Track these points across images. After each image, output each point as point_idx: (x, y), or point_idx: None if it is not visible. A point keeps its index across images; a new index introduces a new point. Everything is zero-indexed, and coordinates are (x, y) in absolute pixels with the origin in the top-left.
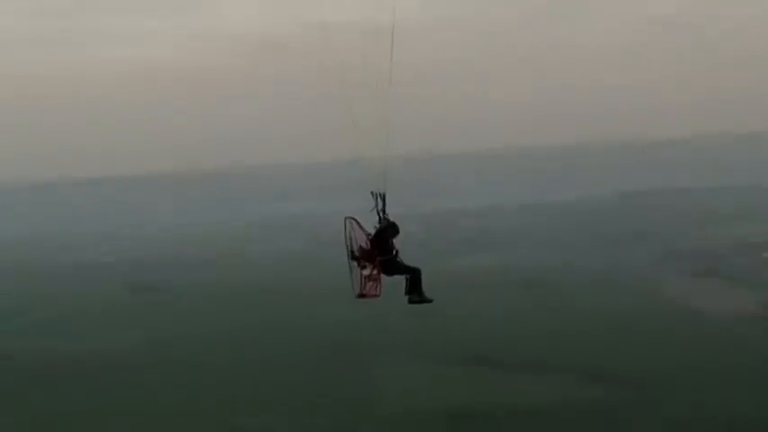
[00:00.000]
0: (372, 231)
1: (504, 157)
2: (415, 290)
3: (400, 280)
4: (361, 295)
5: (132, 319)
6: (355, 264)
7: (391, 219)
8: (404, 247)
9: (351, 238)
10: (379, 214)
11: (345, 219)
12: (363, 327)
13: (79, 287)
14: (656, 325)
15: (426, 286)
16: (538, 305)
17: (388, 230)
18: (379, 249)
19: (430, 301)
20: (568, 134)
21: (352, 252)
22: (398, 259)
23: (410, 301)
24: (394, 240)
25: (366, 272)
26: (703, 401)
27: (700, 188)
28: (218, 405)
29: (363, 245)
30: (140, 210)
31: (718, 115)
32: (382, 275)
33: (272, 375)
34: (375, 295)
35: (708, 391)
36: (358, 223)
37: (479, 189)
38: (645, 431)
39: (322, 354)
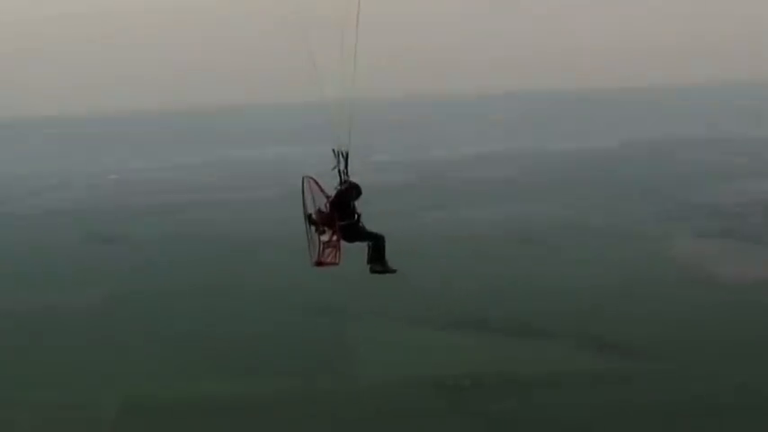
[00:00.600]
0: (333, 193)
1: (499, 102)
2: (377, 258)
3: (362, 247)
4: (319, 263)
5: (90, 273)
6: (313, 229)
7: (354, 179)
8: (386, 200)
9: (308, 200)
10: (340, 174)
11: (303, 178)
12: (339, 287)
13: (34, 237)
14: (665, 289)
15: (391, 254)
16: (535, 264)
17: (349, 192)
18: (340, 213)
19: (393, 271)
20: (568, 78)
21: (309, 216)
22: (360, 224)
23: (372, 271)
24: (356, 204)
25: (324, 237)
26: (718, 373)
27: (714, 139)
28: (183, 369)
29: (323, 208)
30: (99, 152)
31: (737, 59)
32: (342, 242)
33: (239, 339)
34: (334, 263)
35: (723, 362)
36: (317, 183)
37: (471, 136)
38: (654, 406)
39: (294, 316)
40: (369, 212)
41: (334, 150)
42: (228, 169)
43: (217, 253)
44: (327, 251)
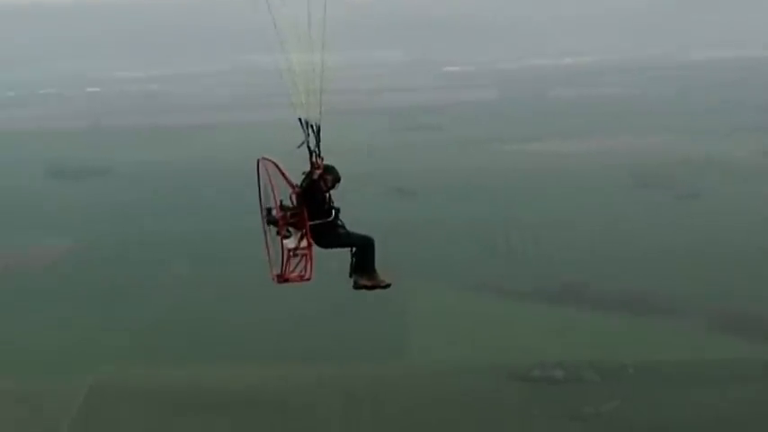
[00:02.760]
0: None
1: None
2: (364, 269)
3: (342, 254)
4: (282, 278)
5: (54, 218)
6: (274, 230)
7: (328, 162)
8: (459, 124)
9: (267, 192)
10: (311, 153)
11: (258, 161)
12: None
13: None
14: None
15: (382, 262)
16: (658, 217)
17: (323, 179)
18: (310, 208)
19: (385, 286)
20: None
21: (268, 213)
22: (339, 224)
23: (356, 286)
24: (333, 194)
25: (290, 243)
26: None
27: None
28: (183, 348)
29: (287, 201)
30: (78, 54)
31: None
32: (314, 248)
33: (250, 306)
34: (302, 278)
35: None
36: (278, 168)
37: (576, 41)
38: None
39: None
40: (440, 140)
41: (300, 120)
42: (247, 80)
43: (230, 195)
44: (295, 261)
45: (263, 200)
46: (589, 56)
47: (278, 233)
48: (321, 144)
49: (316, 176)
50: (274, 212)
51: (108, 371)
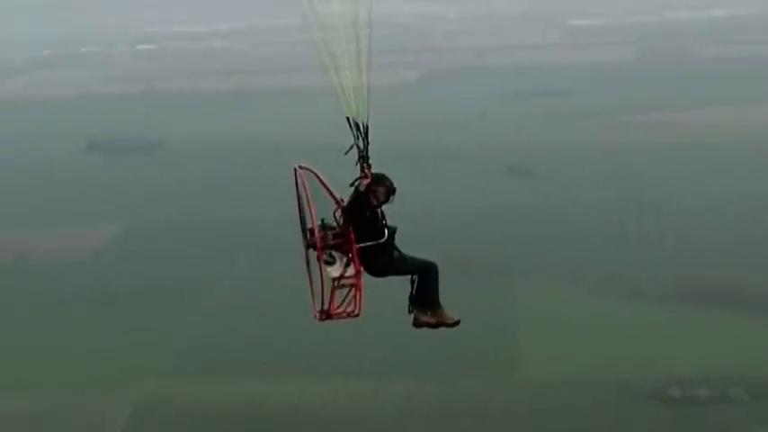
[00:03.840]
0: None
1: None
2: (425, 302)
3: (399, 284)
4: (326, 315)
5: (96, 203)
6: (316, 255)
7: (377, 170)
8: (590, 87)
9: (307, 207)
10: (361, 160)
11: (295, 170)
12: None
13: (14, 144)
14: None
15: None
16: None
17: (373, 192)
18: (357, 229)
19: (453, 324)
20: None
21: (310, 234)
22: (395, 247)
23: (416, 324)
24: (385, 209)
25: (334, 271)
26: None
27: None
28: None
29: (331, 220)
30: (126, 3)
31: None
32: (363, 277)
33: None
34: (350, 314)
35: None
36: (319, 179)
37: None
38: None
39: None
40: (564, 109)
41: (348, 119)
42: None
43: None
44: (342, 293)
45: (304, 217)
46: (744, 6)
47: (321, 259)
48: (370, 148)
49: (362, 188)
50: (316, 234)
51: (154, 387)
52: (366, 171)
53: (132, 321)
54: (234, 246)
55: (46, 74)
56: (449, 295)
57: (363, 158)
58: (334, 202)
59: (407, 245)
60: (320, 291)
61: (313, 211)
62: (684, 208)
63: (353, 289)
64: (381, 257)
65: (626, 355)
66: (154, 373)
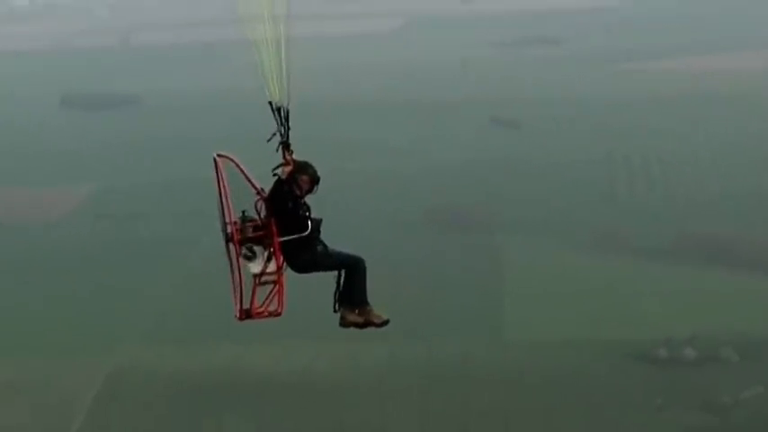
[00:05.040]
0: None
1: None
2: (352, 300)
3: (323, 278)
4: (246, 314)
5: (75, 153)
6: (235, 250)
7: (297, 158)
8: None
9: (226, 200)
10: (282, 146)
11: (214, 158)
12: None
13: None
14: None
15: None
16: None
17: (296, 181)
18: (279, 221)
19: (382, 323)
20: None
21: (229, 228)
22: (319, 240)
23: (343, 323)
24: (309, 201)
25: (255, 267)
26: None
27: None
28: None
29: (252, 211)
30: None
31: None
32: (285, 273)
33: (309, 275)
34: (273, 313)
35: None
36: (239, 167)
37: None
38: None
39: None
40: (551, 58)
41: (271, 104)
42: None
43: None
44: (263, 291)
45: (225, 210)
46: None
47: (242, 255)
48: (291, 133)
49: (284, 176)
50: (236, 227)
51: (128, 352)
52: (288, 158)
53: (106, 285)
54: (213, 205)
55: (19, 27)
56: (434, 251)
57: (285, 144)
58: (255, 192)
59: (391, 201)
60: (240, 288)
61: (227, 202)
62: (674, 161)
63: (275, 286)
64: (305, 252)
65: (613, 315)
66: (128, 338)
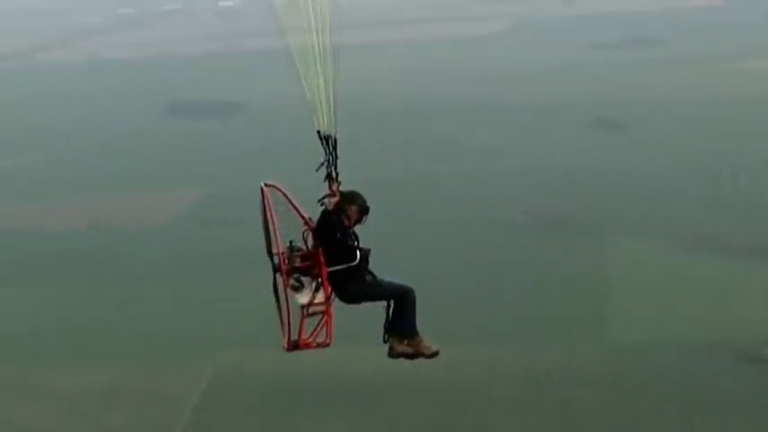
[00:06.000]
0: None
1: None
2: (402, 330)
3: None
4: (294, 345)
5: (179, 160)
6: (281, 281)
7: (349, 187)
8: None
9: (274, 229)
10: (330, 176)
11: (262, 187)
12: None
13: (91, 103)
14: None
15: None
16: None
17: (344, 212)
18: (327, 251)
19: (432, 355)
20: None
21: (276, 258)
22: (367, 270)
23: (392, 354)
24: (358, 231)
25: (302, 297)
26: None
27: None
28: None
29: (299, 241)
30: None
31: None
32: (334, 303)
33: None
34: (321, 344)
35: None
36: (287, 197)
37: None
38: None
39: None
40: (657, 58)
41: (319, 133)
42: None
43: (397, 136)
44: (309, 322)
45: (271, 239)
46: None
47: (289, 285)
48: (339, 162)
49: (330, 207)
50: (285, 257)
51: (231, 358)
52: (333, 189)
53: (211, 291)
54: (315, 212)
55: (125, 33)
56: (538, 253)
57: (330, 176)
58: (302, 221)
59: (495, 201)
60: (288, 319)
61: (278, 231)
62: None
63: (324, 316)
64: (353, 282)
65: (719, 315)
66: (231, 344)
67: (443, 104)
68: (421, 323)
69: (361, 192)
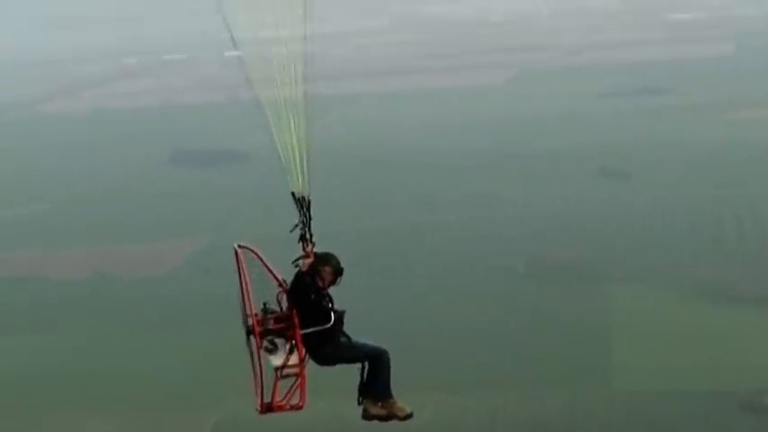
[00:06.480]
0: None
1: None
2: (376, 393)
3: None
4: (267, 408)
5: (184, 209)
6: (254, 343)
7: (324, 249)
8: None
9: (247, 291)
10: (304, 238)
11: (235, 249)
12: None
13: (96, 153)
14: None
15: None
16: None
17: (318, 273)
18: (302, 313)
19: (405, 417)
20: None
21: (250, 320)
22: (341, 332)
23: (366, 416)
24: (332, 292)
25: (276, 359)
26: None
27: None
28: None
29: (273, 303)
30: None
31: None
32: (308, 366)
33: (412, 324)
34: (294, 407)
35: None
36: (259, 257)
37: None
38: None
39: (508, 276)
40: (659, 108)
41: (293, 194)
42: (412, 38)
43: (396, 183)
44: (284, 384)
45: (245, 302)
46: None
47: (262, 347)
48: (312, 224)
49: (304, 268)
50: (258, 319)
51: (235, 405)
52: (307, 250)
53: (214, 338)
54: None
55: (128, 83)
56: (540, 301)
57: (304, 237)
58: (276, 283)
59: (496, 250)
60: (261, 381)
61: (248, 294)
62: None
63: (298, 378)
64: (328, 344)
65: (722, 363)
66: (235, 390)
67: (440, 154)
68: (423, 371)
69: (338, 254)
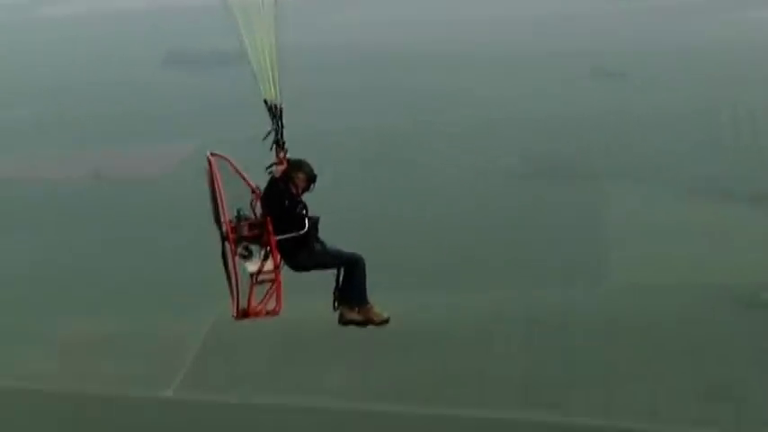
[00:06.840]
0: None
1: None
2: (351, 298)
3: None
4: (243, 313)
5: (178, 110)
6: (230, 250)
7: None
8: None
9: (222, 199)
10: (277, 144)
11: (209, 157)
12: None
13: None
14: None
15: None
16: None
17: (292, 180)
18: (276, 219)
19: (382, 322)
20: None
21: (224, 227)
22: (317, 238)
23: (342, 321)
24: (306, 199)
25: (251, 265)
26: None
27: None
28: None
29: (247, 210)
30: None
31: None
32: (283, 272)
33: (408, 226)
34: (271, 312)
35: None
36: (233, 166)
37: None
38: None
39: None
40: (655, 7)
41: (266, 102)
42: None
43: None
44: (261, 290)
45: (219, 209)
46: None
47: (238, 254)
48: (285, 131)
49: (277, 175)
50: (230, 225)
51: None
52: (280, 157)
53: (208, 239)
54: (321, 161)
55: None
56: (537, 203)
57: (278, 143)
58: (250, 190)
59: (492, 152)
60: (236, 287)
61: (222, 201)
62: None
63: (273, 284)
64: (302, 250)
65: (717, 259)
66: None
67: (438, 54)
68: (422, 269)
69: (311, 163)
